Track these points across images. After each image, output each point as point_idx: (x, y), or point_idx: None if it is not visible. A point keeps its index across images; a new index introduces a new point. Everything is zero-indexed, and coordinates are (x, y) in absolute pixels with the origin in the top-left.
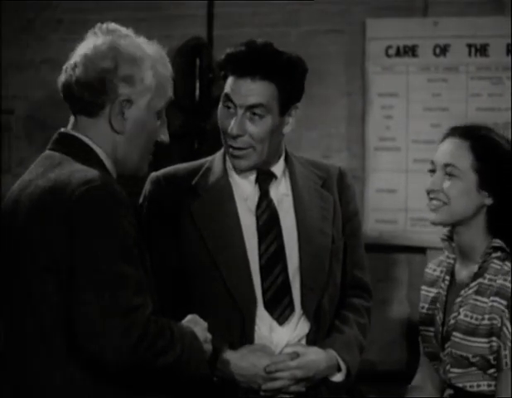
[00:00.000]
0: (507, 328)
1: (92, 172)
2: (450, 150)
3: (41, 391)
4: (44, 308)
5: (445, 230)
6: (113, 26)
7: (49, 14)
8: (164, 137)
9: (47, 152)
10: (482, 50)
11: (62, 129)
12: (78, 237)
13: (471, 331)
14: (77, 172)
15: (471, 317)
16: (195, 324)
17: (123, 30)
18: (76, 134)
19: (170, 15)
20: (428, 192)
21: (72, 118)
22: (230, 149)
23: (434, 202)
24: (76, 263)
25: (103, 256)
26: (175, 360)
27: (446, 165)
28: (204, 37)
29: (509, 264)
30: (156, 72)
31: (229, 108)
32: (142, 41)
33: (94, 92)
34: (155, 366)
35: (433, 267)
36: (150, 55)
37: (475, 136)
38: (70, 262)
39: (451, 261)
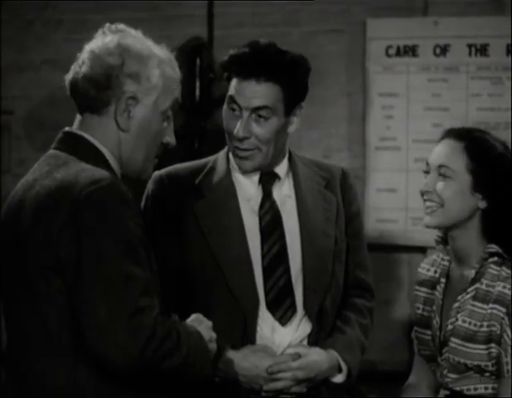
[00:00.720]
0: (507, 335)
1: (99, 173)
2: (444, 151)
3: (45, 392)
4: (49, 309)
5: (439, 232)
6: (121, 26)
7: (49, 14)
8: (170, 139)
9: (52, 151)
10: (482, 50)
11: (67, 128)
12: (84, 237)
13: (469, 337)
14: (84, 171)
15: (469, 323)
16: (200, 323)
17: (132, 30)
18: (81, 133)
19: (170, 15)
20: (422, 194)
21: (78, 117)
22: (236, 150)
23: (428, 204)
24: (82, 263)
25: (109, 257)
26: (181, 362)
27: (440, 166)
28: (204, 37)
29: (506, 269)
30: (163, 72)
31: (234, 110)
32: (150, 43)
33: (99, 88)
34: (161, 368)
35: (427, 267)
36: (157, 54)
37: (469, 137)
38: (76, 262)
39: (446, 263)
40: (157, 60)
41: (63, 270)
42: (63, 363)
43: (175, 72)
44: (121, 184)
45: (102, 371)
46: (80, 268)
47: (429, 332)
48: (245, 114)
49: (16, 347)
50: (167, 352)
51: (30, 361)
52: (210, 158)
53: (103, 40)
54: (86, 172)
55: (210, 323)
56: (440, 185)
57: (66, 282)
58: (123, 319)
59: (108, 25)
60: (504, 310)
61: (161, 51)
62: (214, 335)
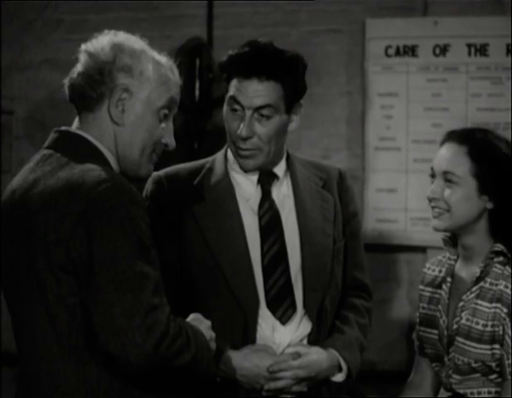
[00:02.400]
0: (509, 337)
1: (106, 172)
2: (448, 157)
3: (56, 392)
4: (58, 308)
5: (446, 233)
6: (114, 31)
7: (49, 14)
8: (169, 141)
9: (47, 150)
10: (482, 50)
11: (63, 128)
12: (97, 237)
13: (473, 336)
14: (90, 171)
15: (472, 322)
16: (200, 323)
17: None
18: (78, 132)
19: (170, 15)
20: (429, 200)
21: (76, 119)
22: (238, 150)
23: (436, 210)
24: (96, 263)
25: (123, 256)
26: (190, 360)
27: (445, 172)
28: (204, 38)
29: (509, 268)
30: (157, 68)
31: (235, 110)
32: (147, 45)
33: (93, 83)
34: (173, 365)
35: (432, 267)
36: (151, 52)
37: (472, 140)
38: (88, 262)
39: (453, 263)
40: (151, 57)
41: (74, 270)
42: (73, 363)
43: (172, 74)
44: (129, 183)
45: (112, 370)
46: (93, 268)
47: (435, 331)
48: (248, 113)
49: (26, 348)
50: (179, 350)
51: (40, 361)
52: (209, 159)
53: (96, 40)
54: (93, 171)
55: (209, 323)
56: (447, 192)
57: (78, 281)
58: (139, 318)
59: (105, 31)
60: (505, 310)
61: (158, 55)
62: (213, 334)
